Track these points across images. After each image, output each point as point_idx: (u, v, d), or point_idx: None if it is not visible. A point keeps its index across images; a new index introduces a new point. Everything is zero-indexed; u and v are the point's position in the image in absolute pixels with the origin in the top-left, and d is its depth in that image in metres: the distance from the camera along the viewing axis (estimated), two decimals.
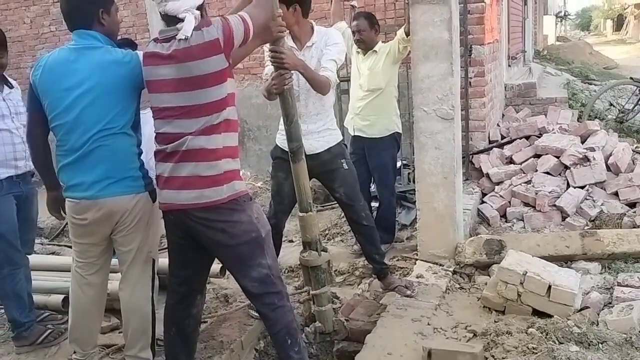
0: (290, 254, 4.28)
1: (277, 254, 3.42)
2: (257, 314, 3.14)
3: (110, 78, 2.33)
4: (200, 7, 2.24)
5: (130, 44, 5.62)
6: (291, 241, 4.62)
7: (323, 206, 5.33)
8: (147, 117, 6.07)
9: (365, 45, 4.04)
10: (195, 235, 2.29)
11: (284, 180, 3.13)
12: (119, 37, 6.49)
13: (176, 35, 2.17)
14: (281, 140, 3.09)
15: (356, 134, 4.17)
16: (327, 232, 4.79)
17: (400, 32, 3.88)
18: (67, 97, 2.34)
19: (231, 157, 2.27)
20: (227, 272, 3.98)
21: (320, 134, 3.10)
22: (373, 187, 4.41)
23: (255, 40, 2.41)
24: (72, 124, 2.36)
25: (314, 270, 2.91)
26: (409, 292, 3.31)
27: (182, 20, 2.17)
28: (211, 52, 2.13)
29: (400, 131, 4.19)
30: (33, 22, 7.52)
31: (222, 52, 2.14)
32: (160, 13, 2.26)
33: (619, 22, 43.96)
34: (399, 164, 4.73)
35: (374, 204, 4.47)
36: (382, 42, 4.18)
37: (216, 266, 3.81)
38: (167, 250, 2.49)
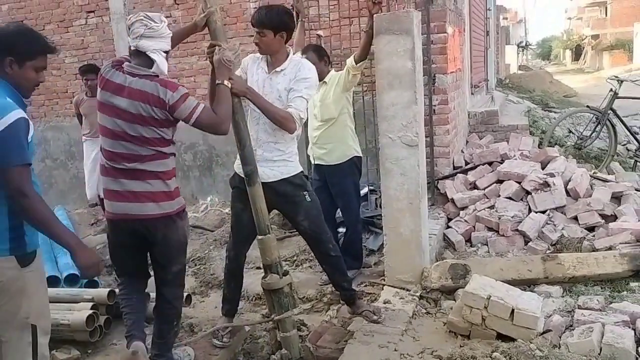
0: (257, 281, 4.22)
1: (240, 285, 3.40)
2: (220, 343, 3.14)
3: None
4: (167, 52, 2.67)
5: (94, 70, 5.61)
6: (259, 268, 4.57)
7: (291, 232, 5.31)
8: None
9: None
10: (143, 238, 2.73)
11: (242, 211, 3.10)
12: (85, 63, 6.42)
13: (144, 73, 2.57)
14: (237, 165, 3.07)
15: (316, 162, 4.20)
16: (295, 258, 4.76)
17: (350, 60, 3.92)
18: None
19: (175, 178, 2.76)
20: (192, 302, 3.93)
21: (275, 163, 3.04)
22: (339, 214, 4.43)
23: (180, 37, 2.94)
24: None
25: (277, 294, 2.91)
26: (375, 318, 3.31)
27: (150, 59, 2.57)
28: (156, 105, 2.56)
29: (360, 154, 4.21)
30: None
31: (165, 110, 2.57)
32: (131, 47, 2.57)
33: (578, 52, 45.88)
34: (365, 189, 4.78)
35: (341, 230, 4.48)
36: (335, 71, 4.20)
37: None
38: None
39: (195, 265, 4.89)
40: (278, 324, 2.94)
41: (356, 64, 3.85)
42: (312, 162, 4.25)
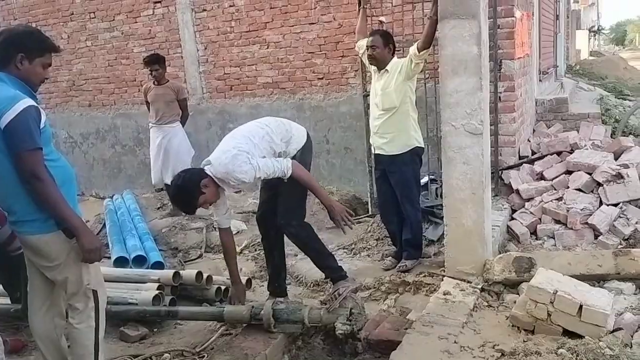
0: (315, 267, 4.27)
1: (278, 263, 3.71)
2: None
3: None
4: None
5: (157, 60, 5.75)
6: None
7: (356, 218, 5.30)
8: (176, 130, 6.23)
9: (377, 62, 4.00)
10: None
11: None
12: (151, 52, 6.59)
13: None
14: None
15: (377, 152, 4.15)
16: (353, 246, 4.77)
17: (413, 48, 3.82)
18: None
19: None
20: (252, 286, 4.01)
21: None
22: None
23: None
24: None
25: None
26: (334, 304, 3.25)
27: None
28: None
29: (422, 145, 4.13)
30: (70, 37, 7.76)
31: None
32: None
33: None
34: (425, 179, 4.70)
35: None
36: (398, 57, 4.10)
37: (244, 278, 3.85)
38: None
39: (255, 250, 4.98)
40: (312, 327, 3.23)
41: (419, 52, 3.76)
42: (373, 151, 4.20)
